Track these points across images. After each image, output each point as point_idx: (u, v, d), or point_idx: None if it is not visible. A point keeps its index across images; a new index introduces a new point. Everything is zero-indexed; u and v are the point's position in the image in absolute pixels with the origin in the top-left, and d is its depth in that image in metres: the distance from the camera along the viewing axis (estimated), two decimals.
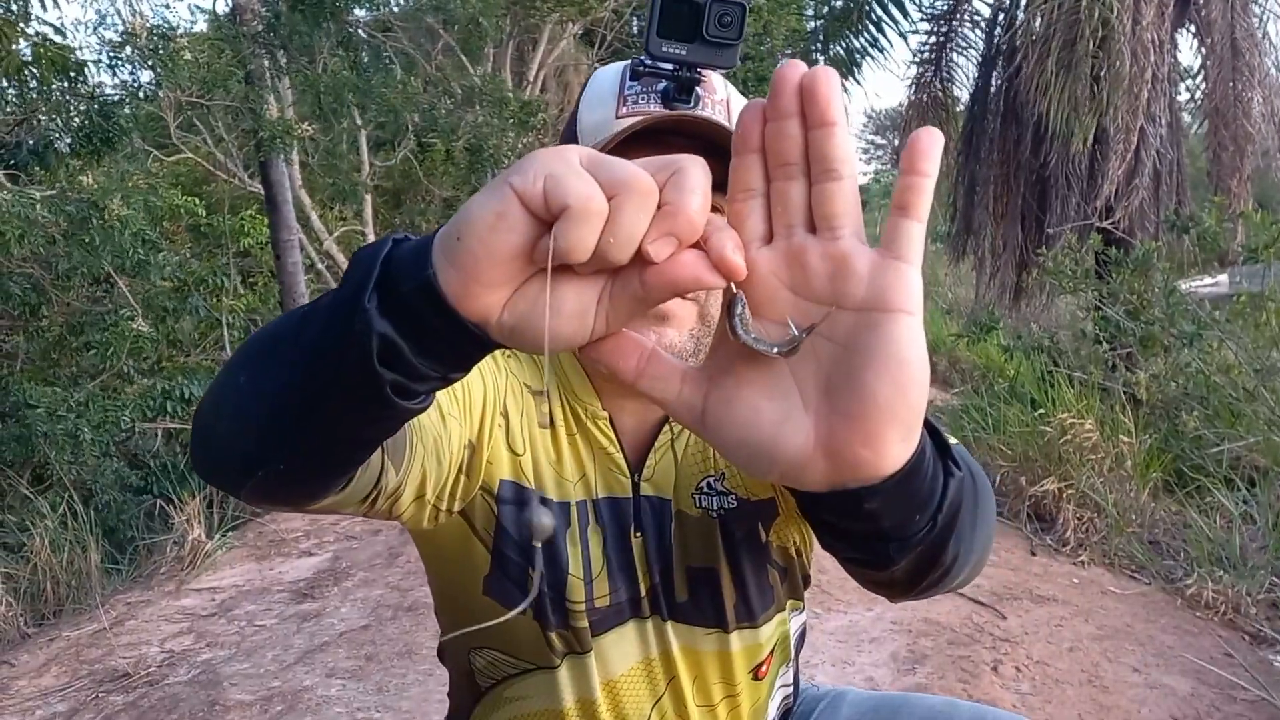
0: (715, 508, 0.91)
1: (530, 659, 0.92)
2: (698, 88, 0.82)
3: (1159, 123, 5.29)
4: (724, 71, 0.81)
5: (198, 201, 11.89)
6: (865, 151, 51.42)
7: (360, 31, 6.12)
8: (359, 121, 6.88)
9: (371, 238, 15.20)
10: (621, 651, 0.91)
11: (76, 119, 6.23)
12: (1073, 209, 5.46)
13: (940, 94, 6.50)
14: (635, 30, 22.23)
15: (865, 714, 1.06)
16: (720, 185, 0.49)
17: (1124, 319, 4.78)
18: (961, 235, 6.35)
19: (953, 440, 0.64)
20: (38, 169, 6.58)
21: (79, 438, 5.57)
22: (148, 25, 6.00)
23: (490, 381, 0.87)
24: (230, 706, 2.79)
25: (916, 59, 6.50)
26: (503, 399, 0.88)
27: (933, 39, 6.52)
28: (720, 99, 0.87)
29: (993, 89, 6.10)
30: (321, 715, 2.67)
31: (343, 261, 14.97)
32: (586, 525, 0.89)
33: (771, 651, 0.97)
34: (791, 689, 1.07)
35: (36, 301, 6.73)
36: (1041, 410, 4.06)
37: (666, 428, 0.91)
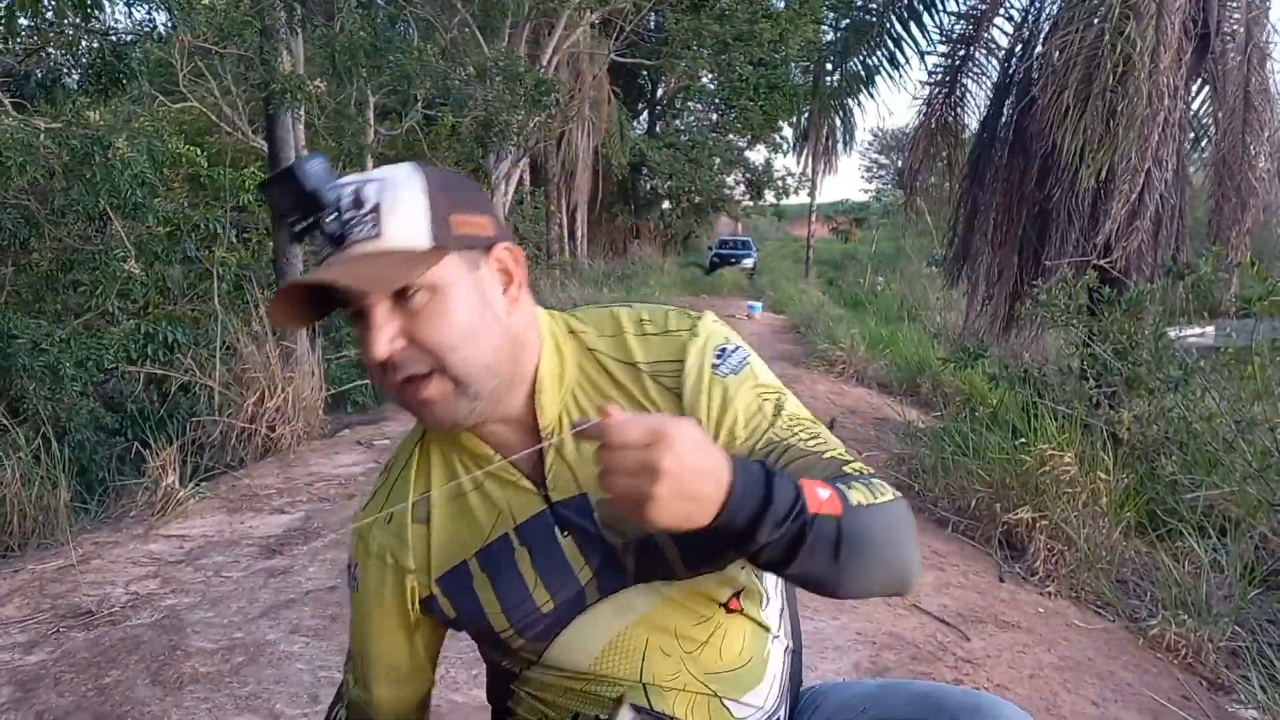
0: None
1: (524, 664, 1.10)
2: (330, 226, 0.92)
3: (1165, 167, 5.33)
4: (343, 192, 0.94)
5: (200, 151, 11.82)
6: (869, 169, 51.71)
7: None
8: (370, 85, 6.85)
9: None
10: (591, 634, 1.03)
11: (87, 57, 6.18)
12: (1071, 244, 5.49)
13: (950, 119, 6.53)
14: (653, 25, 22.18)
15: (858, 698, 1.13)
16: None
17: (1111, 358, 4.82)
18: (958, 260, 6.38)
19: (855, 494, 0.89)
20: (44, 103, 6.54)
21: (60, 373, 5.54)
22: None
23: (395, 618, 1.11)
24: (191, 653, 2.78)
25: (930, 80, 6.53)
26: (400, 577, 1.09)
27: (948, 62, 6.56)
28: (366, 211, 0.93)
29: (1003, 118, 6.13)
30: (282, 670, 2.67)
31: None
32: (512, 553, 1.03)
33: (736, 592, 1.06)
34: (785, 625, 1.15)
35: (28, 234, 6.68)
36: (1022, 439, 4.08)
37: (560, 452, 1.03)
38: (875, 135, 47.21)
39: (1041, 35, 5.78)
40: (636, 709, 1.02)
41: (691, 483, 0.77)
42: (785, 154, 30.47)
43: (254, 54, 6.23)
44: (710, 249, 32.72)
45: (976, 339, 6.09)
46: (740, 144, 30.20)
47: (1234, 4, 5.43)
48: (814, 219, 29.84)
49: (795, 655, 1.17)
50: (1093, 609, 3.44)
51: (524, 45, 13.57)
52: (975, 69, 6.52)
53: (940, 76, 6.52)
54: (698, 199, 27.31)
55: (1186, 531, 3.83)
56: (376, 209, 0.92)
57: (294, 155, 8.13)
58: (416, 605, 1.09)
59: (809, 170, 25.73)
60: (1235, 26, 5.40)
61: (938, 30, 6.72)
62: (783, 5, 20.44)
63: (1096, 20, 5.01)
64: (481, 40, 7.83)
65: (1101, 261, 5.38)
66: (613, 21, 16.82)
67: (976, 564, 3.76)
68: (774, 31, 17.17)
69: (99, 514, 4.87)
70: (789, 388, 1.07)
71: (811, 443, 1.00)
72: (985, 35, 6.54)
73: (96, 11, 6.03)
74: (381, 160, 14.95)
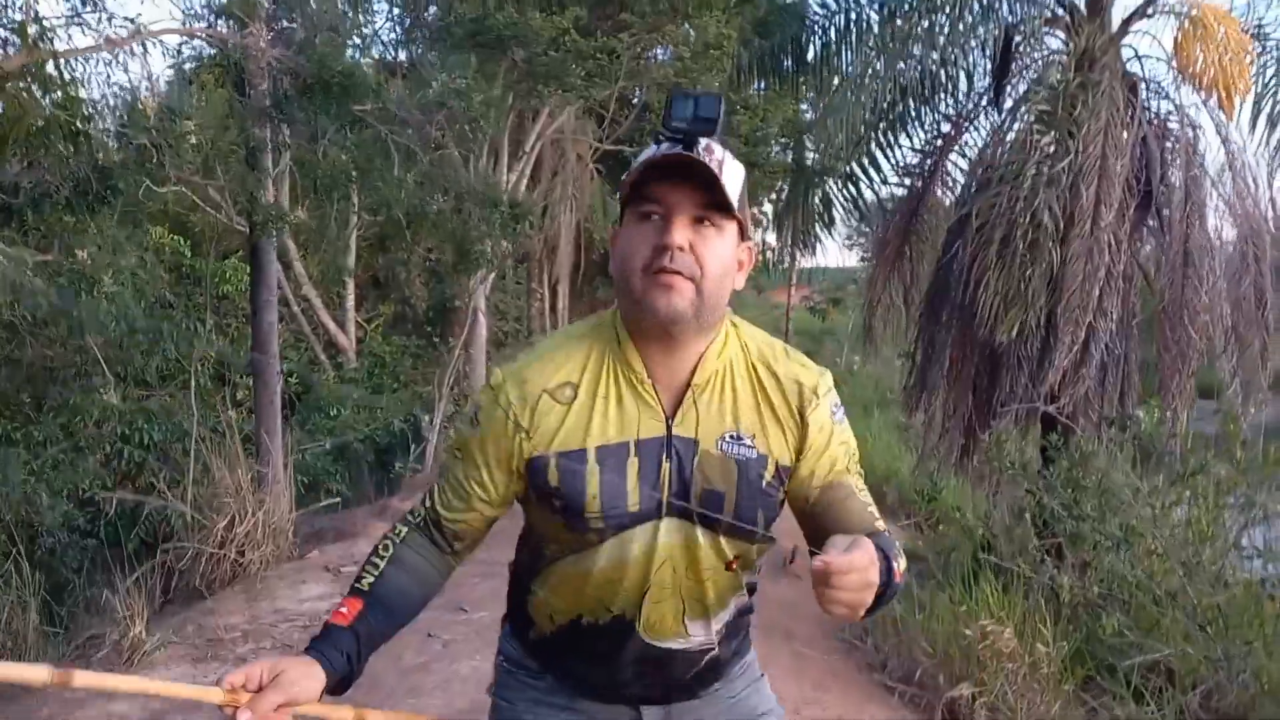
0: (734, 453, 1.33)
1: (574, 547, 1.37)
2: (697, 145, 1.24)
3: (1110, 318, 5.55)
4: (715, 136, 1.26)
5: (183, 241, 12.01)
6: (849, 238, 52.24)
7: (367, 119, 6.29)
8: (352, 205, 7.05)
9: (351, 286, 15.36)
10: (641, 539, 1.33)
11: (73, 181, 6.35)
12: (1021, 388, 5.69)
13: (909, 254, 6.77)
14: (636, 103, 22.52)
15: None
16: (709, 206, 1.23)
17: (1058, 508, 4.99)
18: (916, 390, 6.56)
19: (902, 560, 1.24)
20: (31, 215, 6.69)
21: (36, 502, 5.63)
22: (158, 102, 6.18)
23: (497, 459, 1.37)
24: None
25: (889, 219, 6.80)
26: (511, 441, 1.35)
27: (907, 198, 6.82)
28: (717, 157, 1.26)
29: (957, 257, 6.34)
30: None
31: (319, 305, 15.11)
32: (625, 458, 1.31)
33: (738, 556, 1.39)
34: (748, 599, 1.48)
35: (9, 348, 6.80)
36: (965, 607, 4.23)
37: (690, 390, 1.33)
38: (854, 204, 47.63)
39: (973, 190, 6.03)
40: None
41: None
42: (765, 229, 30.84)
43: (238, 184, 6.42)
44: None
45: (931, 479, 6.27)
46: None
47: (1174, 165, 5.71)
48: (793, 289, 30.20)
49: (743, 610, 1.48)
50: None
51: (508, 130, 13.91)
52: (932, 205, 6.77)
53: (898, 217, 6.77)
54: None
55: (1125, 697, 3.99)
56: (722, 162, 1.25)
57: (275, 256, 8.31)
58: (521, 461, 1.34)
59: (788, 245, 26.12)
60: (1175, 186, 5.67)
61: (894, 164, 6.97)
62: (763, 89, 20.95)
63: (1010, 188, 5.29)
64: (460, 164, 8.05)
65: (1050, 407, 5.58)
66: (600, 110, 17.19)
67: None
68: (753, 123, 17.56)
69: (69, 652, 4.94)
70: None
71: (862, 495, 1.38)
72: (944, 172, 6.81)
73: (85, 141, 6.25)
74: (363, 238, 15.15)
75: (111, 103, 7.01)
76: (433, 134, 6.69)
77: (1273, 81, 6.15)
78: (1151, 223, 5.74)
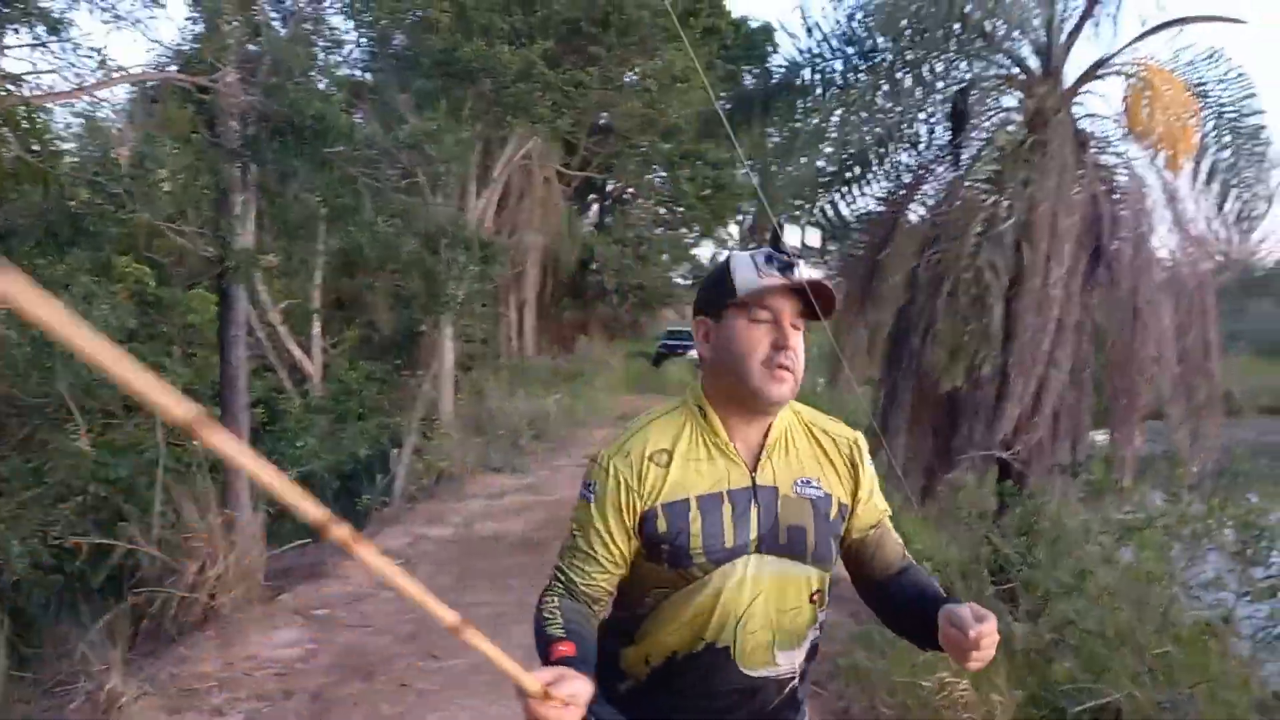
0: (808, 494, 1.59)
1: (677, 585, 1.56)
2: (797, 267, 1.53)
3: (1062, 368, 5.76)
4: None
5: (149, 270, 11.96)
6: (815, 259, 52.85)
7: (338, 161, 6.37)
8: (318, 250, 7.12)
9: (318, 307, 15.32)
10: (738, 572, 1.54)
11: (44, 223, 6.38)
12: (978, 435, 5.89)
13: (871, 297, 6.96)
14: (602, 123, 22.64)
15: None
16: (802, 314, 1.55)
17: (1012, 554, 5.18)
18: (880, 433, 6.74)
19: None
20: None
21: (6, 550, 5.65)
22: (131, 148, 6.22)
23: (615, 520, 1.57)
24: None
25: (849, 260, 6.99)
26: (629, 498, 1.56)
27: (868, 248, 7.01)
28: (808, 275, 1.56)
29: (915, 305, 6.54)
30: None
31: (284, 333, 15.08)
32: (720, 504, 1.55)
33: (819, 590, 1.61)
34: (819, 633, 1.67)
35: None
36: (923, 658, 4.38)
37: (765, 449, 1.59)
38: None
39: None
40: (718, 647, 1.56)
41: None
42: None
43: (210, 228, 6.48)
44: (657, 340, 33.23)
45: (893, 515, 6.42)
46: (688, 239, 30.91)
47: (1122, 221, 5.94)
48: None
49: (815, 645, 1.67)
50: None
51: (476, 155, 14.02)
52: (894, 253, 6.96)
53: (861, 262, 6.96)
54: (645, 296, 27.79)
55: None
56: (810, 278, 1.56)
57: (244, 292, 8.34)
58: (636, 518, 1.55)
59: None
60: (1124, 241, 5.91)
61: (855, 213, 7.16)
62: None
63: (956, 244, 5.50)
64: (430, 199, 8.13)
65: (1005, 455, 5.78)
66: (570, 138, 17.31)
67: None
68: (721, 152, 17.78)
69: (39, 698, 4.96)
70: None
71: (894, 534, 1.69)
72: (904, 219, 7.01)
73: (55, 184, 6.29)
74: (329, 262, 15.13)
75: (82, 143, 7.04)
76: (403, 178, 6.74)
77: (1212, 136, 6.40)
78: (1101, 277, 5.96)
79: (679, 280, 30.46)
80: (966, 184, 5.85)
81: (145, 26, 6.76)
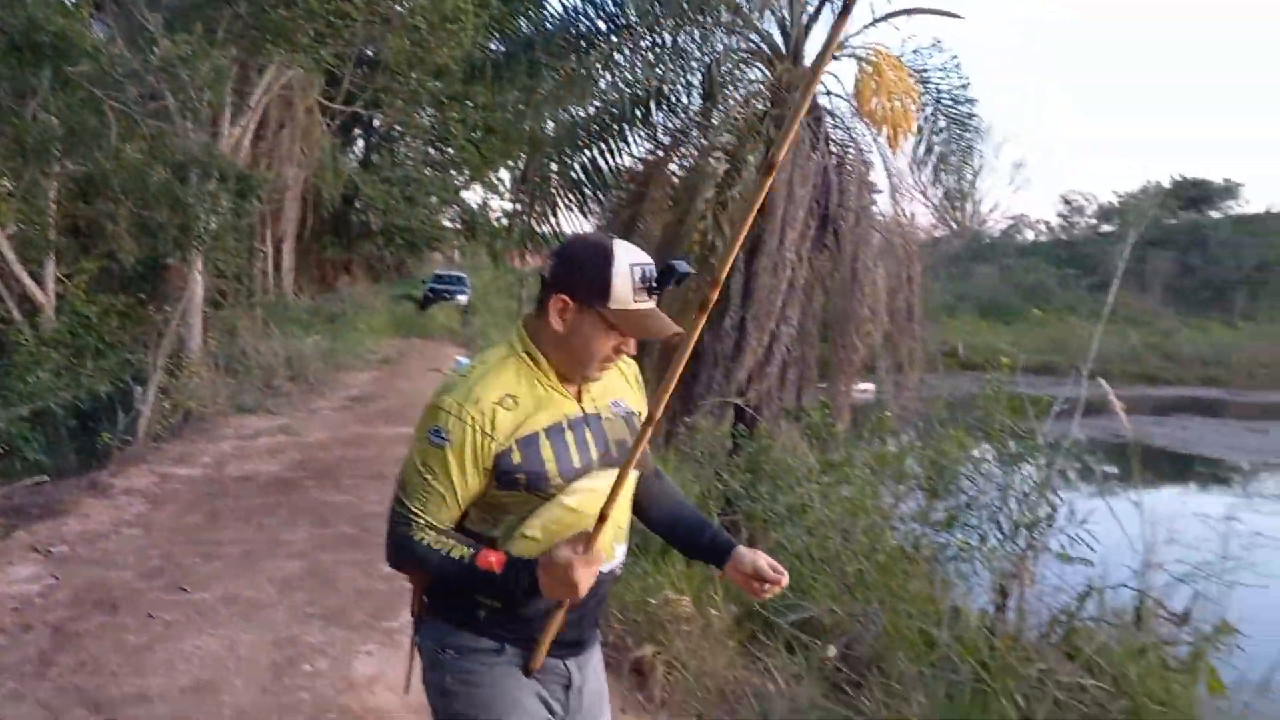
0: (621, 412, 1.89)
1: (533, 505, 1.79)
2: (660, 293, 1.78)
3: (792, 324, 6.38)
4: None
5: None
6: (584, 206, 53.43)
7: (81, 82, 6.03)
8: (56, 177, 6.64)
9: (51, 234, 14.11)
10: (588, 484, 1.80)
11: None
12: (717, 382, 6.43)
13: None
14: (371, 55, 21.89)
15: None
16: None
17: (739, 489, 5.75)
18: None
19: None
20: None
21: None
22: None
23: (471, 462, 1.75)
24: None
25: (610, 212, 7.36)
26: (483, 443, 1.74)
27: (626, 202, 7.40)
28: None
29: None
30: None
31: (13, 259, 13.78)
32: (563, 432, 1.80)
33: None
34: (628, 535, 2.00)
35: None
36: (652, 579, 4.86)
37: (587, 388, 1.85)
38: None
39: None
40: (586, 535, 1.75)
41: None
42: (502, 196, 31.05)
43: None
44: (424, 283, 32.75)
45: None
46: (458, 181, 30.51)
47: (849, 193, 6.61)
48: (531, 254, 30.67)
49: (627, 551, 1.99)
50: None
51: (231, 83, 13.31)
52: (650, 208, 7.37)
53: (623, 212, 7.33)
54: (412, 238, 27.24)
55: (780, 649, 4.76)
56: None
57: None
58: (490, 459, 1.74)
59: (525, 215, 26.45)
60: (849, 211, 6.58)
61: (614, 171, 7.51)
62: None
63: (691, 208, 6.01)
64: (183, 127, 7.72)
65: (739, 401, 6.35)
66: (335, 70, 16.66)
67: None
68: (489, 94, 17.67)
69: None
70: None
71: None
72: (661, 178, 7.42)
73: None
74: (66, 183, 13.97)
75: None
76: (152, 100, 6.46)
77: (930, 121, 7.20)
78: (828, 243, 6.62)
79: (447, 223, 30.00)
80: (711, 152, 6.31)
81: None
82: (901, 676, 4.47)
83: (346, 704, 3.79)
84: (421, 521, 1.78)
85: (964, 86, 7.63)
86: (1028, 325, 33.54)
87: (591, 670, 2.00)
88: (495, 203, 31.63)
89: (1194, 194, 58.49)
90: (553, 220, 8.68)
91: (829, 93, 7.11)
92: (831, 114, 6.95)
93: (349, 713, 3.73)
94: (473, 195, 32.35)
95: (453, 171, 30.51)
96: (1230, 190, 60.43)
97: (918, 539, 5.99)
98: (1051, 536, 5.32)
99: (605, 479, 1.76)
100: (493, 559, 1.73)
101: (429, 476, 1.76)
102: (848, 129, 6.97)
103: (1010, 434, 5.60)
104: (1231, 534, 5.15)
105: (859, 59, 6.91)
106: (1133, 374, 36.08)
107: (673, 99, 7.48)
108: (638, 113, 7.23)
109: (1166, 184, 57.92)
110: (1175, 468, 16.48)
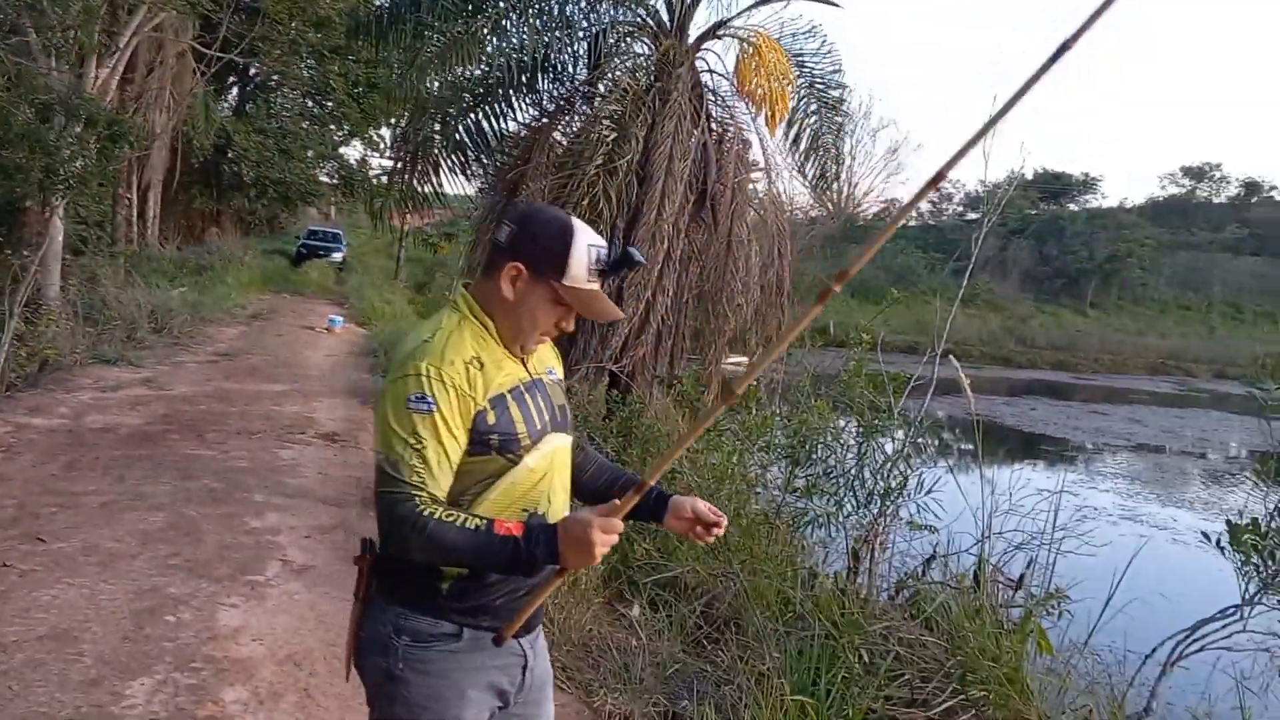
0: (554, 378, 1.95)
1: (504, 470, 1.79)
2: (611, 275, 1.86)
3: (668, 294, 6.56)
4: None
5: None
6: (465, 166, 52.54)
7: None
8: None
9: None
10: (546, 446, 1.84)
11: None
12: (593, 349, 6.57)
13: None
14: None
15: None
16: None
17: (611, 453, 5.93)
18: None
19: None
20: None
21: None
22: None
23: (458, 425, 1.72)
24: None
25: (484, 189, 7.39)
26: (464, 403, 1.72)
27: (511, 164, 7.44)
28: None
29: None
30: None
31: None
32: (523, 395, 1.81)
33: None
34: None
35: None
36: None
37: (533, 358, 1.87)
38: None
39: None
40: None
41: None
42: (383, 154, 30.37)
43: None
44: (298, 238, 31.80)
45: None
46: (337, 136, 29.69)
47: (727, 171, 6.82)
48: (411, 215, 30.12)
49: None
50: (558, 685, 4.38)
51: (99, 20, 12.63)
52: (534, 174, 7.42)
53: (506, 176, 7.37)
54: (287, 191, 26.37)
55: (644, 605, 4.96)
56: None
57: None
58: (470, 419, 1.73)
59: (406, 175, 25.93)
60: (725, 188, 6.79)
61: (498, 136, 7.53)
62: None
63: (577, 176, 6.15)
64: (46, 65, 7.34)
65: (614, 367, 6.52)
66: (212, 15, 15.96)
67: None
68: (373, 50, 17.23)
69: None
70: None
71: None
72: (546, 145, 7.48)
73: None
74: None
75: None
76: (12, 35, 6.18)
77: (804, 104, 7.46)
78: (705, 217, 6.82)
79: (324, 179, 29.16)
80: (599, 120, 6.41)
81: None
82: (758, 633, 4.74)
83: (211, 654, 3.80)
84: (425, 495, 1.67)
85: (836, 72, 7.92)
86: (898, 306, 34.82)
87: (540, 649, 1.99)
88: (375, 160, 30.97)
89: (1055, 186, 61.62)
90: (434, 180, 8.65)
91: (710, 71, 7.28)
92: (714, 92, 7.13)
93: (214, 662, 3.74)
94: (352, 151, 31.56)
95: (332, 126, 29.69)
96: (1089, 184, 63.93)
97: (780, 505, 6.31)
98: (903, 505, 5.70)
99: (557, 441, 1.86)
100: (510, 524, 1.65)
101: (421, 446, 1.67)
102: (728, 107, 7.15)
103: (870, 408, 5.93)
104: (1065, 507, 5.61)
105: (740, 39, 7.11)
106: (992, 356, 38.10)
107: (558, 67, 7.54)
108: (524, 79, 7.25)
109: (1029, 175, 60.77)
110: (1021, 445, 17.48)
